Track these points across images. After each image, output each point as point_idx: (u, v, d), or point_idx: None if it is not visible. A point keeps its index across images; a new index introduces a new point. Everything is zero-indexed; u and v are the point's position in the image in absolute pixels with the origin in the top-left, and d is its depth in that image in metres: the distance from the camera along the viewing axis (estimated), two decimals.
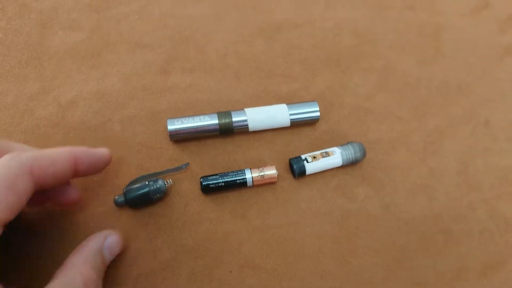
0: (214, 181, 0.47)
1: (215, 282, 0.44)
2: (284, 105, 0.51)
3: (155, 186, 0.45)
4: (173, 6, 0.57)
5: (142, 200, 0.45)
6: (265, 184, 0.48)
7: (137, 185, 0.45)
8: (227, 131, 0.50)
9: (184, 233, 0.46)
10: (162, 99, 0.52)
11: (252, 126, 0.50)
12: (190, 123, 0.49)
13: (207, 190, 0.47)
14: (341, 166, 0.49)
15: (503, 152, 0.53)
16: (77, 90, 0.51)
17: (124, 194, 0.45)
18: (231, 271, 0.45)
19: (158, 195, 0.46)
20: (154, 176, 0.47)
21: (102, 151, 0.42)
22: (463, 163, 0.52)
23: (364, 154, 0.49)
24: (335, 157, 0.48)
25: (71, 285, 0.35)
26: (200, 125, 0.49)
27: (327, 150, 0.49)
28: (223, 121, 0.49)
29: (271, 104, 0.52)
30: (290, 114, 0.50)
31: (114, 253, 0.42)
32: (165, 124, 0.51)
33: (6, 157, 0.34)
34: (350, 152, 0.48)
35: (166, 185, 0.46)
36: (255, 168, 0.48)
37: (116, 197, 0.45)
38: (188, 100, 0.52)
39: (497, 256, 0.48)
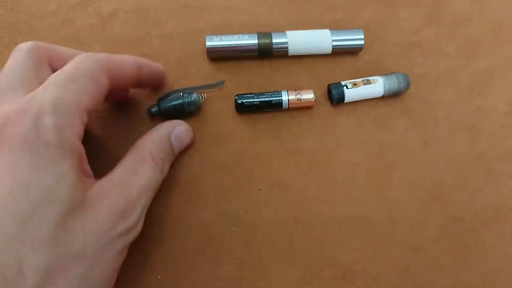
0: (249, 99, 0.45)
1: (243, 198, 0.43)
2: (327, 30, 0.49)
3: (189, 99, 0.44)
4: None
5: (175, 111, 0.45)
6: (301, 108, 0.47)
7: (172, 96, 0.45)
8: (266, 53, 0.48)
9: (216, 149, 0.45)
10: (201, 18, 0.51)
11: (292, 50, 0.48)
12: (229, 40, 0.47)
13: (241, 108, 0.46)
14: (382, 97, 0.47)
15: None
16: (118, 3, 0.51)
17: (158, 104, 0.44)
18: (259, 189, 0.44)
19: (192, 107, 0.45)
20: (189, 90, 0.46)
21: (158, 66, 0.44)
22: None
23: (407, 85, 0.47)
24: (377, 85, 0.46)
25: (140, 160, 0.37)
26: (239, 44, 0.47)
27: (369, 78, 0.47)
28: (262, 41, 0.47)
29: None
30: (333, 40, 0.48)
31: (182, 142, 0.43)
32: (203, 43, 0.49)
33: (82, 55, 0.35)
34: (393, 82, 0.46)
35: (201, 99, 0.45)
36: (292, 90, 0.46)
37: (150, 106, 0.45)
38: (227, 21, 0.51)
39: None
